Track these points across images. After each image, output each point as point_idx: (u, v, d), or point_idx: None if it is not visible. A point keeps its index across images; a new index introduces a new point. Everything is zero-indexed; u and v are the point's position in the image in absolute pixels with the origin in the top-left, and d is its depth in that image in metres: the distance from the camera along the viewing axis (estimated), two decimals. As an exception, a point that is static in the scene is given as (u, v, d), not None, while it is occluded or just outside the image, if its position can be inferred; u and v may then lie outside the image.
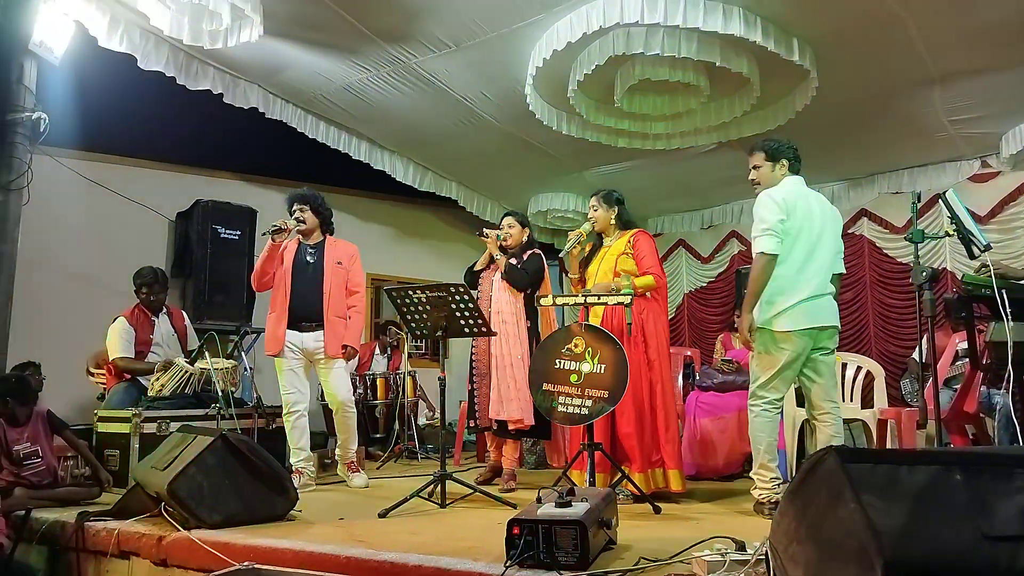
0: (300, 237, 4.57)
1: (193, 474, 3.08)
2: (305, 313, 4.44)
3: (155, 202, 6.40)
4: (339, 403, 4.50)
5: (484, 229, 4.56)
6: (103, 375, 5.11)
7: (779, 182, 3.53)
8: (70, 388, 5.40)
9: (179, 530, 2.97)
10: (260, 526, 3.11)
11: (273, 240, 4.38)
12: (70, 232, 5.89)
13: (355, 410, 4.68)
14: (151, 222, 6.40)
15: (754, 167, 3.58)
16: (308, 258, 4.52)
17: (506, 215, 4.77)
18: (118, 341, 4.83)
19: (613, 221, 4.16)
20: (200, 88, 5.33)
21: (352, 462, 4.61)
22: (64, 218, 5.82)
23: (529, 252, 4.63)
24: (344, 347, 4.51)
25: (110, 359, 4.83)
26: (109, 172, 6.22)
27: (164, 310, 5.10)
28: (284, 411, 4.46)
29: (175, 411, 4.51)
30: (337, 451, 4.66)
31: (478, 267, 4.65)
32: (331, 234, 4.68)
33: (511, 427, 4.39)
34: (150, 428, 4.34)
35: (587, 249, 4.29)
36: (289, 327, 4.42)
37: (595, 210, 4.19)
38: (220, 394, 4.38)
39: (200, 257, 6.17)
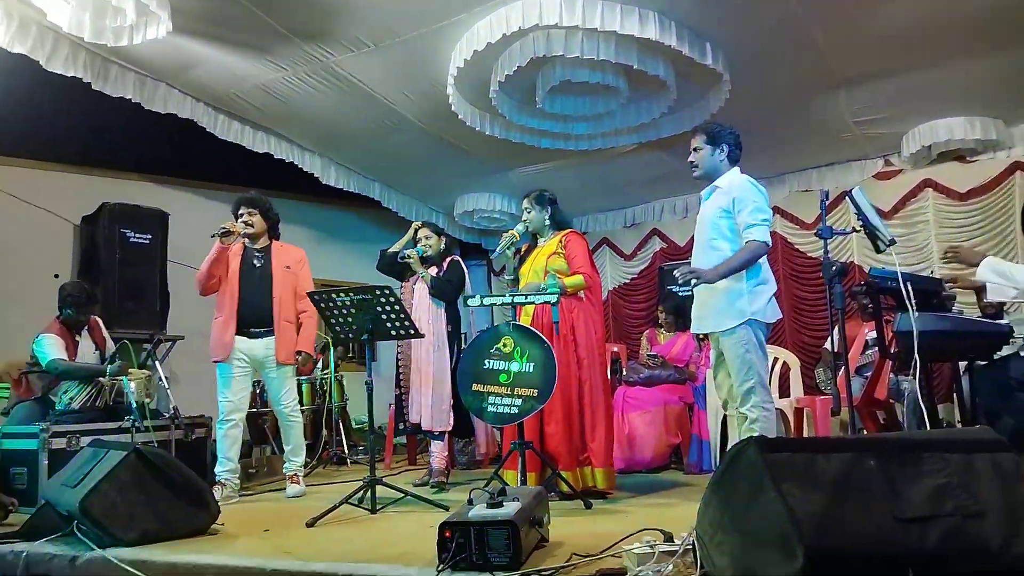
0: (246, 241, 4.51)
1: (107, 490, 2.96)
2: (254, 319, 4.38)
3: (59, 206, 6.14)
4: (286, 412, 4.47)
5: (405, 252, 4.64)
6: (6, 389, 4.84)
7: (718, 167, 3.46)
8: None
9: (94, 549, 2.83)
10: (181, 541, 2.99)
11: (222, 242, 4.32)
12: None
13: (300, 419, 4.65)
14: (55, 227, 6.13)
15: (694, 149, 3.49)
16: (255, 262, 4.47)
17: (422, 225, 4.88)
18: (54, 346, 4.55)
19: (547, 222, 4.19)
20: (105, 91, 5.06)
21: (296, 475, 4.49)
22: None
23: (449, 259, 4.76)
24: (298, 353, 4.49)
25: (45, 364, 4.50)
26: (8, 175, 5.94)
27: (85, 327, 4.88)
28: (219, 418, 4.37)
29: (86, 425, 4.31)
30: (284, 461, 4.56)
31: (394, 248, 4.74)
32: (277, 239, 4.63)
33: (425, 428, 4.55)
34: (59, 443, 4.11)
35: (523, 249, 4.33)
36: (237, 333, 4.35)
37: (528, 212, 4.21)
38: (134, 406, 4.21)
39: (108, 263, 5.92)
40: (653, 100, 5.41)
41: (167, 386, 4.53)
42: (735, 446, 1.88)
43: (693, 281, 3.30)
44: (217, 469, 4.37)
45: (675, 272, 3.42)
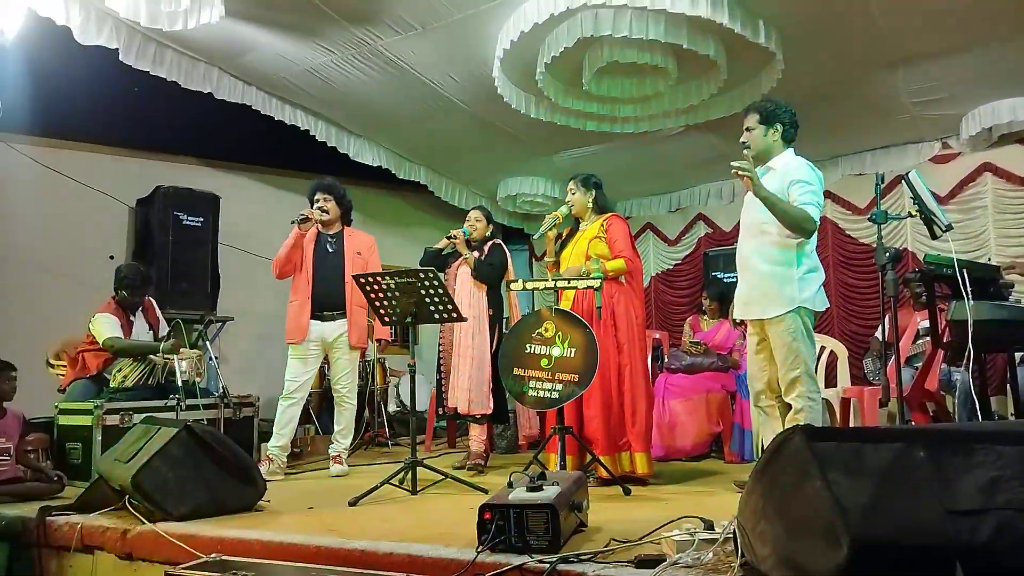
0: (320, 227, 4.65)
1: (158, 466, 3.04)
2: (329, 302, 4.53)
3: (114, 189, 6.26)
4: (343, 392, 4.61)
5: (452, 232, 4.71)
6: (63, 367, 5.00)
7: (771, 148, 3.41)
8: (32, 380, 5.30)
9: (144, 523, 2.90)
10: (227, 517, 3.06)
11: (300, 229, 4.48)
12: (26, 221, 5.74)
13: (355, 402, 4.74)
14: (111, 209, 6.27)
15: (747, 128, 3.44)
16: (329, 247, 4.62)
17: (473, 209, 4.96)
18: (109, 324, 4.67)
19: (590, 205, 4.18)
20: (158, 74, 5.17)
21: (339, 455, 4.60)
22: (19, 207, 5.67)
23: (490, 244, 4.81)
24: (378, 341, 4.73)
25: (102, 341, 4.61)
26: (66, 158, 6.07)
27: (139, 307, 5.01)
28: (282, 394, 4.51)
29: (138, 403, 4.42)
30: (332, 440, 4.65)
31: (438, 246, 4.77)
32: (349, 224, 4.78)
33: (462, 412, 4.57)
34: (113, 420, 4.24)
35: (564, 233, 4.32)
36: (312, 317, 4.50)
37: (572, 194, 4.20)
38: (181, 384, 4.31)
39: (162, 245, 6.04)
40: (702, 80, 5.28)
41: (217, 366, 4.64)
42: (780, 434, 1.84)
43: (744, 172, 3.16)
44: (270, 443, 4.49)
45: (732, 163, 3.25)
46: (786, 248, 3.29)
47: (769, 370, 3.43)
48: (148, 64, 5.11)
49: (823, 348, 5.02)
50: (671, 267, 8.14)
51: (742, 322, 4.35)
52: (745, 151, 3.48)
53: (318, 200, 4.60)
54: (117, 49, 4.84)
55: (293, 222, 4.48)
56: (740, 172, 3.16)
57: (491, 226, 4.94)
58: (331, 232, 4.67)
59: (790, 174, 3.29)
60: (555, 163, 7.20)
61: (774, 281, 3.28)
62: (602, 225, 4.09)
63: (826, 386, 4.97)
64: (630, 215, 8.27)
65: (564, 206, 4.24)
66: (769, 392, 3.46)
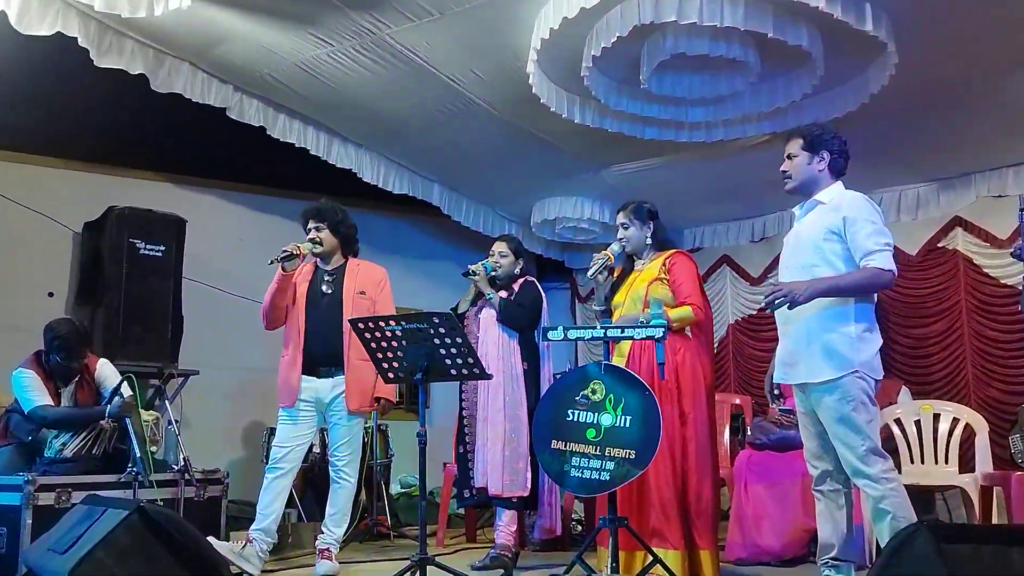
0: (317, 260, 4.70)
1: (102, 558, 3.01)
2: (323, 356, 4.53)
3: (56, 209, 6.37)
4: (339, 466, 4.58)
5: (470, 267, 4.75)
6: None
7: (817, 180, 3.56)
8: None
9: (82, 632, 2.92)
10: (187, 626, 3.06)
11: (284, 270, 4.48)
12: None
13: (354, 481, 4.68)
14: (52, 234, 6.37)
15: (788, 156, 3.62)
16: (324, 287, 4.63)
17: (499, 239, 5.03)
18: (35, 389, 4.71)
19: (648, 241, 4.26)
20: (115, 66, 5.24)
21: (329, 549, 4.54)
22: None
23: (521, 281, 4.86)
24: (377, 400, 4.65)
25: (28, 411, 4.66)
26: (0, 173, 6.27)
27: (77, 375, 5.01)
28: (268, 464, 4.57)
29: (79, 477, 4.43)
30: (322, 528, 4.60)
31: (461, 309, 4.80)
32: (355, 255, 4.80)
33: (492, 494, 4.56)
34: (47, 499, 4.24)
35: (615, 274, 4.36)
36: (304, 372, 4.52)
37: (625, 228, 4.29)
38: (138, 455, 4.33)
39: (113, 279, 6.09)
40: (792, 78, 5.16)
41: (177, 431, 4.66)
42: (900, 534, 1.81)
43: (780, 300, 3.30)
44: (252, 527, 4.43)
45: (763, 296, 3.43)
46: (843, 300, 3.39)
47: (827, 454, 3.47)
48: (106, 57, 5.16)
49: (955, 420, 4.93)
50: (754, 312, 7.97)
51: (780, 394, 4.27)
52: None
53: (309, 229, 4.63)
54: (62, 40, 4.87)
55: (273, 261, 4.44)
56: (777, 301, 3.30)
57: (521, 260, 4.95)
58: (330, 267, 4.68)
59: (844, 209, 3.42)
60: (604, 179, 7.12)
61: (827, 337, 3.35)
62: (664, 264, 4.16)
63: (960, 470, 4.88)
64: (700, 246, 8.22)
65: (615, 243, 4.31)
66: (837, 474, 3.47)
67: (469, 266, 4.77)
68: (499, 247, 4.90)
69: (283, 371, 4.58)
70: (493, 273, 4.78)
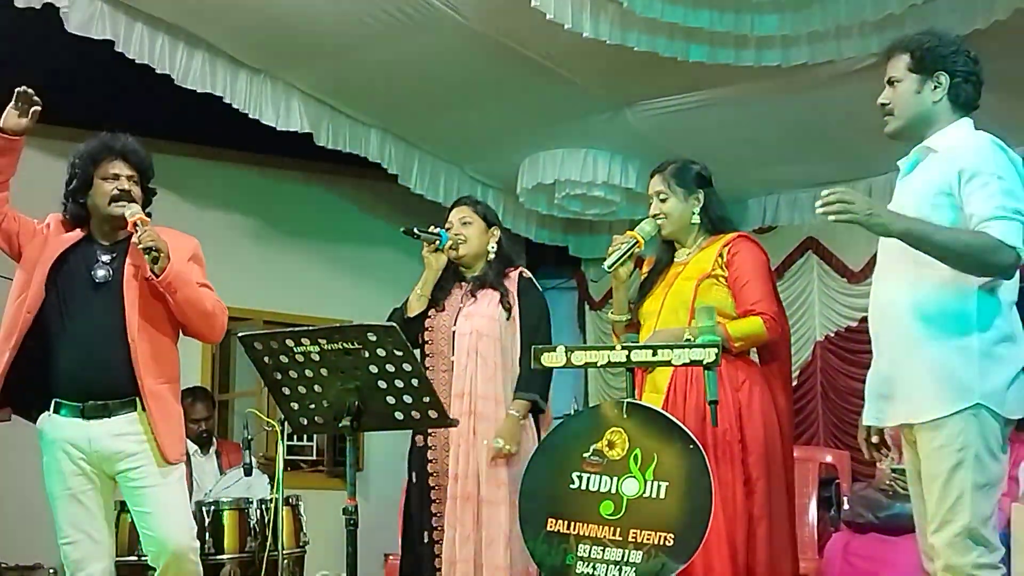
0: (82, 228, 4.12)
1: None
2: (93, 384, 4.17)
3: None
4: (171, 552, 4.12)
5: (415, 229, 4.57)
6: None
7: (930, 115, 3.46)
8: None
9: None
10: None
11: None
12: None
13: (199, 566, 4.20)
14: None
15: (890, 81, 3.48)
16: (98, 270, 4.27)
17: (457, 204, 4.87)
18: None
19: (696, 219, 4.17)
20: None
21: None
22: None
23: (518, 273, 4.73)
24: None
25: None
26: None
27: None
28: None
29: None
30: None
31: (413, 311, 4.61)
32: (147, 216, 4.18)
33: None
34: None
35: (646, 267, 4.27)
36: (60, 412, 4.12)
37: (662, 199, 4.18)
38: None
39: None
40: None
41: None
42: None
43: (834, 205, 3.17)
44: None
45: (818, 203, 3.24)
46: (961, 295, 3.29)
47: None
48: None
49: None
50: (855, 323, 7.78)
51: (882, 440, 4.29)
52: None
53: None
54: None
55: None
56: (833, 213, 3.17)
57: (493, 232, 4.74)
58: (106, 240, 4.26)
59: (962, 160, 3.29)
60: (628, 123, 6.80)
61: (933, 352, 3.26)
62: (720, 255, 4.09)
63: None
64: (775, 223, 8.04)
65: (648, 221, 4.19)
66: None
67: (415, 228, 4.49)
68: (459, 214, 4.68)
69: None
70: (455, 252, 4.51)
